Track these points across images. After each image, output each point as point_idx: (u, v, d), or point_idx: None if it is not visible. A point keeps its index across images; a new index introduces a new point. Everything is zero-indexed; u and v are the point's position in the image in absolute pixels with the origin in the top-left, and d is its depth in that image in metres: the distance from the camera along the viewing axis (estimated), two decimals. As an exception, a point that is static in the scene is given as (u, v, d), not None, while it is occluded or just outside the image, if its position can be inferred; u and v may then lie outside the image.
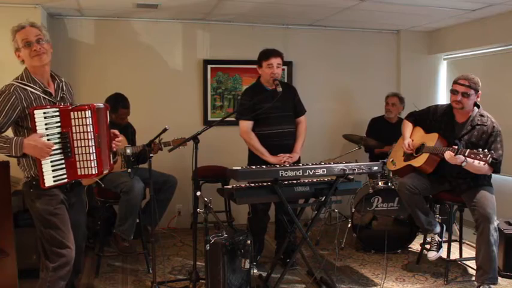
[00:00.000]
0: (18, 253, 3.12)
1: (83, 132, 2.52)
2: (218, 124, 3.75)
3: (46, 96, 2.57)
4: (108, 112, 2.79)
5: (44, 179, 2.45)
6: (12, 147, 2.39)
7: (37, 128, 2.43)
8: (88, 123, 2.53)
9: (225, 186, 3.44)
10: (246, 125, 3.77)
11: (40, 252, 2.64)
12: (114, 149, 2.83)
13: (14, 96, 2.43)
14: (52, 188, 2.54)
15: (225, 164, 4.39)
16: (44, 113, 2.46)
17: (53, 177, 2.49)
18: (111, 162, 2.82)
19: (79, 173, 2.57)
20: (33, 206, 2.56)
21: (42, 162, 2.45)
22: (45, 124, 2.45)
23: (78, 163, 2.55)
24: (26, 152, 2.41)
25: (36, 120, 2.42)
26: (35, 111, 2.43)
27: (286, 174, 3.11)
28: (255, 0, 4.28)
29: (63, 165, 2.53)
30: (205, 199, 3.01)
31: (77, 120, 2.52)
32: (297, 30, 5.41)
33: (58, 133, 2.50)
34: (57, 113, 2.50)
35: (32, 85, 2.52)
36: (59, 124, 2.50)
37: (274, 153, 3.75)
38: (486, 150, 3.06)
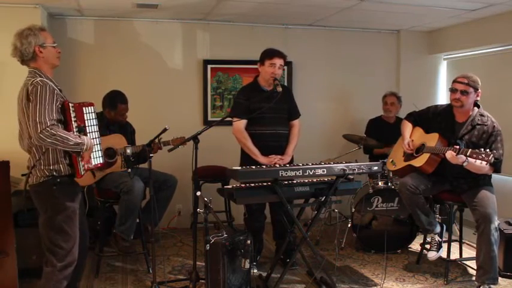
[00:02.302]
0: (18, 253, 3.11)
1: (92, 125, 2.72)
2: (218, 124, 3.75)
3: (61, 94, 2.65)
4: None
5: (79, 170, 2.61)
6: (85, 145, 2.54)
7: (72, 120, 2.58)
8: (94, 117, 2.75)
9: (225, 186, 3.44)
10: (240, 123, 3.75)
11: (45, 251, 2.65)
12: None
13: (55, 91, 2.53)
14: (77, 187, 2.71)
15: (225, 164, 4.38)
16: (72, 106, 2.61)
17: (82, 166, 2.64)
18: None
19: (93, 163, 2.72)
20: (58, 202, 2.60)
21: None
22: (74, 117, 2.61)
23: (92, 153, 2.70)
24: (85, 152, 2.58)
25: (71, 113, 2.58)
26: (70, 104, 2.59)
27: (286, 174, 3.11)
28: (255, 0, 4.28)
29: (81, 158, 2.65)
30: (205, 199, 3.01)
31: (87, 114, 2.71)
32: (297, 30, 5.41)
33: (76, 126, 2.63)
34: (73, 108, 2.63)
35: (50, 83, 2.58)
36: (75, 118, 2.63)
37: (266, 153, 3.74)
38: (488, 150, 3.06)
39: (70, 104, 2.59)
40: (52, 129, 2.43)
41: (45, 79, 2.54)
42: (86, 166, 2.66)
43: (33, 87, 2.49)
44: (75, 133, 2.57)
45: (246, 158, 3.79)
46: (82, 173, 2.63)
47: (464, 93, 3.37)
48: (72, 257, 2.65)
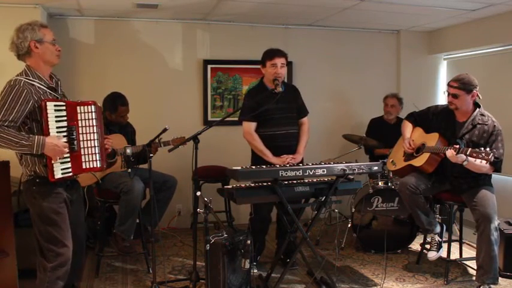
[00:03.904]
0: (18, 253, 3.11)
1: (88, 126, 2.61)
2: (218, 124, 3.75)
3: (51, 92, 2.61)
4: (102, 113, 2.87)
5: (53, 172, 2.49)
6: (34, 146, 2.42)
7: (49, 120, 2.47)
8: (93, 117, 2.63)
9: (225, 186, 3.43)
10: (249, 125, 3.76)
11: (37, 251, 2.64)
12: (108, 150, 2.84)
13: (26, 90, 2.46)
14: (57, 186, 2.58)
15: (225, 164, 4.38)
16: (55, 105, 2.52)
17: (61, 169, 2.54)
18: (106, 160, 2.87)
19: (84, 167, 2.62)
20: (36, 203, 2.56)
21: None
22: (55, 117, 2.51)
23: (83, 156, 2.61)
24: (45, 151, 2.45)
25: (48, 112, 2.47)
26: (48, 103, 2.48)
27: (286, 174, 3.10)
28: (255, 0, 4.28)
29: (69, 159, 2.57)
30: (205, 199, 3.01)
31: (83, 114, 2.61)
32: (297, 30, 5.41)
33: (65, 127, 2.55)
34: (64, 107, 2.56)
35: (37, 81, 2.55)
36: (65, 118, 2.56)
37: (278, 154, 3.73)
38: (488, 149, 3.06)
39: (52, 103, 2.50)
40: None
41: (24, 78, 2.49)
42: (73, 170, 2.57)
43: (4, 85, 2.47)
44: (51, 133, 2.48)
45: (257, 160, 3.78)
46: (58, 176, 2.51)
47: (455, 96, 3.37)
48: (63, 257, 2.59)
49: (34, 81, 2.53)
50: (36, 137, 2.44)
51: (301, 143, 3.87)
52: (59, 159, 2.51)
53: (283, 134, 3.79)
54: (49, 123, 2.48)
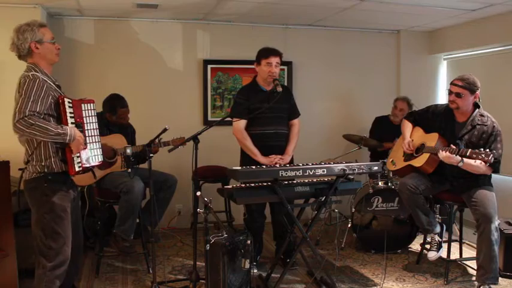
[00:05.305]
0: (18, 253, 3.11)
1: (91, 122, 2.71)
2: (218, 124, 3.75)
3: (58, 89, 2.64)
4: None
5: (73, 166, 2.56)
6: (68, 134, 2.48)
7: (67, 115, 2.55)
8: (94, 114, 2.74)
9: (225, 186, 3.44)
10: (240, 124, 3.75)
11: (36, 252, 2.64)
12: None
13: (46, 85, 2.50)
14: (68, 184, 2.65)
15: (225, 164, 4.38)
16: (68, 102, 2.59)
17: (77, 163, 2.60)
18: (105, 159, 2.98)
19: (91, 161, 2.70)
20: (48, 200, 2.57)
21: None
22: (70, 113, 2.58)
23: (90, 151, 2.69)
24: (72, 143, 2.52)
25: (66, 108, 2.54)
26: (66, 100, 2.56)
27: (286, 174, 3.10)
28: (255, 0, 4.28)
29: (78, 154, 2.62)
30: (205, 199, 3.01)
31: (87, 111, 2.70)
32: (297, 30, 5.41)
33: (73, 123, 2.61)
34: (71, 104, 2.61)
35: (46, 78, 2.57)
36: (73, 115, 2.62)
37: (266, 153, 3.74)
38: (488, 150, 3.06)
39: (66, 100, 2.56)
40: (30, 119, 2.38)
41: (38, 74, 2.52)
42: (82, 165, 2.61)
43: (23, 80, 2.49)
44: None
45: (246, 158, 3.78)
46: (76, 170, 2.57)
47: (458, 95, 3.37)
48: (63, 256, 2.61)
49: (44, 77, 2.55)
50: (67, 126, 2.51)
51: (291, 144, 3.87)
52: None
53: (273, 133, 3.80)
54: (67, 117, 2.55)
